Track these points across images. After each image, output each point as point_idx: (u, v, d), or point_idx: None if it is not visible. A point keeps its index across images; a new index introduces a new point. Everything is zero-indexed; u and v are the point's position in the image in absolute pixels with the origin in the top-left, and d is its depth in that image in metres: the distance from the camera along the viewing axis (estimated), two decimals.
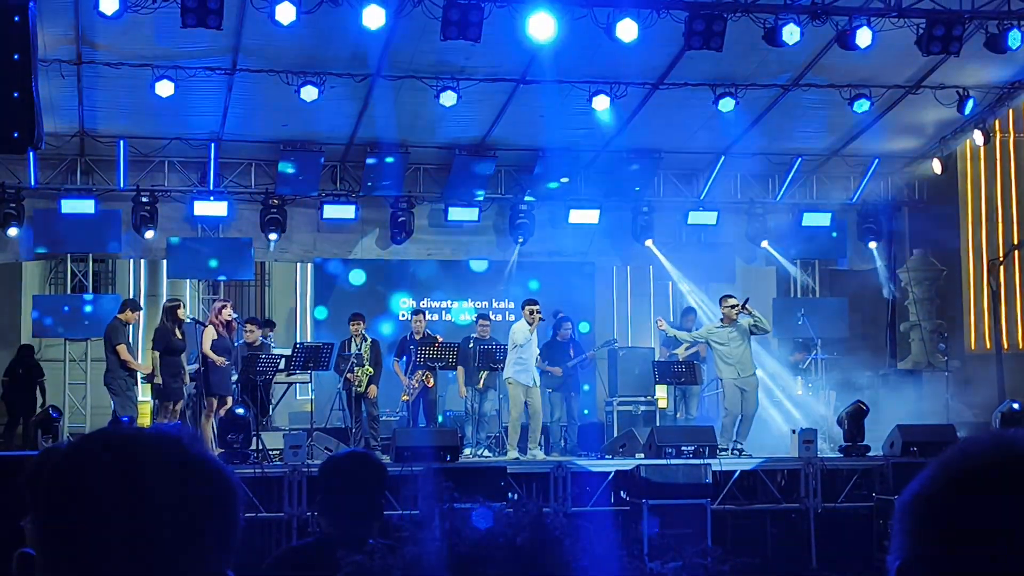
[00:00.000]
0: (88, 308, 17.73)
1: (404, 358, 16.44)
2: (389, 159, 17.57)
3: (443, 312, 19.11)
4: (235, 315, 15.70)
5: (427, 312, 17.25)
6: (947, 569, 1.33)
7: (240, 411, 14.04)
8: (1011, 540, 1.30)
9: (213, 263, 18.06)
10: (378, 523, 4.14)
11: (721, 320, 15.58)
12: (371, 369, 15.88)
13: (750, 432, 15.52)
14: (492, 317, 17.55)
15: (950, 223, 19.11)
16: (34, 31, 10.45)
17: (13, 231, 17.20)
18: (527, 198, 18.65)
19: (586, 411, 17.20)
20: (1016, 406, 14.42)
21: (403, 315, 18.42)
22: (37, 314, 17.85)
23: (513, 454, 15.07)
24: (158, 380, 14.63)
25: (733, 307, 15.41)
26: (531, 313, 15.34)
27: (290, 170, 17.45)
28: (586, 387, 17.85)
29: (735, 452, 14.74)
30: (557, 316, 17.09)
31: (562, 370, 16.47)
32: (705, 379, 17.05)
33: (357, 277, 18.96)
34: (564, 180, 18.31)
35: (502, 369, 15.59)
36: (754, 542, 13.37)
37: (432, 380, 16.03)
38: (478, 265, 19.30)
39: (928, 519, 1.37)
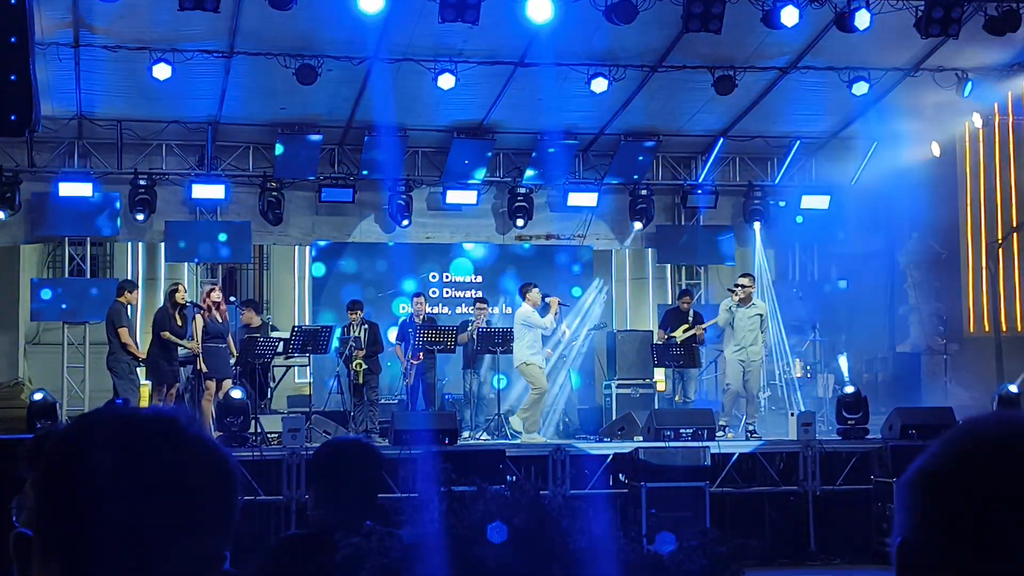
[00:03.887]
0: (86, 292, 17.70)
1: (404, 342, 16.44)
2: (386, 142, 17.54)
3: (443, 289, 19.08)
4: (233, 299, 15.70)
5: (424, 296, 17.22)
6: (949, 546, 1.33)
7: (238, 394, 14.04)
8: (1014, 518, 1.30)
9: (211, 246, 18.04)
10: (371, 511, 4.09)
11: (740, 301, 15.48)
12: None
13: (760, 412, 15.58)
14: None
15: (949, 206, 19.07)
16: (31, 14, 10.39)
17: (10, 214, 17.17)
18: (525, 180, 18.62)
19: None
20: (1013, 388, 14.42)
21: (403, 307, 18.35)
22: (35, 298, 17.82)
23: (518, 427, 15.07)
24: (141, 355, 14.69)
25: (746, 288, 15.41)
26: (540, 294, 15.47)
27: (288, 153, 17.43)
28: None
29: (747, 434, 14.78)
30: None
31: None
32: (704, 362, 17.05)
33: (355, 261, 18.90)
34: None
35: (501, 352, 15.62)
36: (752, 525, 13.38)
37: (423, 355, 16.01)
38: (476, 248, 19.24)
39: (932, 496, 1.36)
